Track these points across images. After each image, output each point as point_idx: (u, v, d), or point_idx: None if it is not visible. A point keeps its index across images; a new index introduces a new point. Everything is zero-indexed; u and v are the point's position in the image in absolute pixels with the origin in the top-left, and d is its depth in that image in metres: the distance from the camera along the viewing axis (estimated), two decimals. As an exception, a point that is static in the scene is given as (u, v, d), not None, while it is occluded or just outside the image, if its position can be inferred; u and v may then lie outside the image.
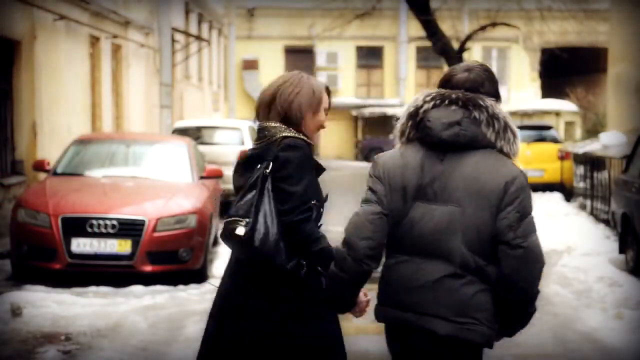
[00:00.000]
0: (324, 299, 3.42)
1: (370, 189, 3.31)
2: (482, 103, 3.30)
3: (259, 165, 3.51)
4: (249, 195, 3.48)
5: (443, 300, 3.18)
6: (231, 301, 3.68)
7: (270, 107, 3.62)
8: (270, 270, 3.49)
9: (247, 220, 3.44)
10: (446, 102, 3.28)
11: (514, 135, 3.30)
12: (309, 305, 3.51)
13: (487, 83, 3.42)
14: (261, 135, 3.61)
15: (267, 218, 3.46)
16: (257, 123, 3.67)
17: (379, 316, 3.42)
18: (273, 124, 3.60)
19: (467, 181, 3.20)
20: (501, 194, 3.17)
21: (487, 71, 3.48)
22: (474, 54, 33.73)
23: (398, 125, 3.39)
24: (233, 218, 3.48)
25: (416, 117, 3.31)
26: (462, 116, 3.25)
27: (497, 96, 3.41)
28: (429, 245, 3.21)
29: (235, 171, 3.68)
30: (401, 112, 3.38)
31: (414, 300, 3.22)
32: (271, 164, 3.49)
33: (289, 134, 3.55)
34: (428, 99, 3.31)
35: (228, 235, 3.50)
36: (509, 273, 3.16)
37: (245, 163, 3.62)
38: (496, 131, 3.26)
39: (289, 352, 3.49)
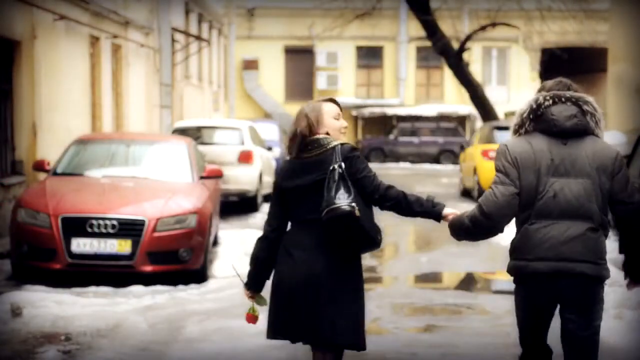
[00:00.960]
0: (454, 227, 4.49)
1: (503, 172, 4.29)
2: (587, 99, 4.30)
3: (332, 167, 4.47)
4: (337, 187, 4.43)
5: (589, 249, 4.23)
6: (330, 265, 4.57)
7: (310, 128, 4.68)
8: (366, 242, 4.57)
9: (346, 202, 4.40)
10: (563, 99, 4.29)
11: (602, 124, 4.35)
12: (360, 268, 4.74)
13: (572, 85, 4.46)
14: (315, 145, 4.59)
15: (359, 201, 4.48)
16: (308, 138, 4.66)
17: (521, 271, 4.31)
18: (321, 136, 4.62)
19: (591, 159, 4.22)
20: (613, 166, 4.24)
21: (571, 83, 4.50)
22: (474, 54, 33.74)
23: (517, 120, 4.35)
24: (333, 205, 4.40)
25: (537, 112, 4.28)
26: (576, 110, 4.26)
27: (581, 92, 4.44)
28: (575, 209, 4.21)
29: (287, 176, 4.65)
30: (519, 109, 4.37)
31: (566, 251, 4.19)
32: (343, 164, 4.48)
33: (340, 142, 4.59)
34: (548, 97, 4.30)
35: (335, 217, 4.40)
36: (631, 220, 4.34)
37: (304, 168, 4.59)
38: (595, 121, 4.29)
39: (358, 299, 4.76)
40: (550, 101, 4.29)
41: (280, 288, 4.68)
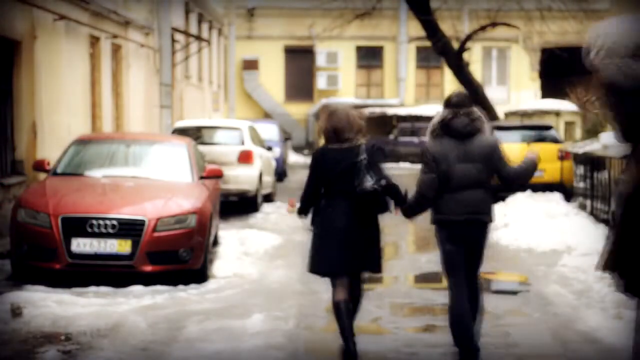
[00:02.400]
0: (404, 211, 6.78)
1: (426, 164, 6.57)
2: (474, 112, 6.62)
3: (359, 158, 6.65)
4: (364, 173, 6.60)
5: (483, 206, 6.61)
6: (358, 222, 6.72)
7: (345, 129, 6.84)
8: (379, 207, 6.74)
9: (370, 184, 6.57)
10: (459, 114, 6.57)
11: (484, 126, 6.66)
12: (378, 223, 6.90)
13: (467, 99, 6.69)
14: (345, 139, 6.79)
15: (381, 180, 6.63)
16: (341, 136, 6.83)
17: (442, 220, 6.61)
18: (351, 136, 6.82)
19: (478, 150, 6.56)
20: (491, 152, 6.62)
21: (465, 94, 6.87)
22: (474, 54, 33.71)
23: (432, 127, 6.64)
24: (363, 186, 6.57)
25: (444, 124, 6.57)
26: (468, 120, 6.57)
27: (472, 104, 6.71)
28: (472, 182, 6.55)
29: (330, 161, 6.73)
30: (432, 121, 6.71)
31: (472, 207, 6.56)
32: (365, 157, 6.65)
33: (362, 140, 6.86)
34: (451, 114, 6.57)
35: (364, 193, 6.58)
36: (509, 180, 6.75)
37: (339, 156, 6.73)
38: (480, 125, 6.61)
39: (378, 241, 6.88)
40: (452, 116, 6.55)
41: (324, 234, 6.72)
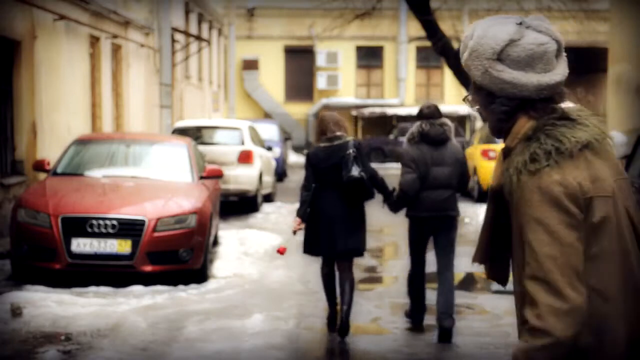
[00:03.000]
0: (390, 205, 7.77)
1: (408, 166, 7.55)
2: (446, 123, 7.74)
3: (348, 151, 7.55)
4: (352, 164, 7.51)
5: (452, 203, 7.70)
6: (345, 209, 7.71)
7: (334, 126, 7.78)
8: (365, 194, 7.66)
9: (357, 172, 7.50)
10: (435, 125, 7.70)
11: (452, 134, 7.82)
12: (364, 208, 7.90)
13: (437, 111, 7.78)
14: (335, 137, 7.73)
15: (366, 171, 7.63)
16: (332, 134, 7.79)
17: (415, 216, 7.74)
18: (341, 134, 7.76)
19: (450, 154, 7.69)
20: (461, 159, 7.74)
21: (435, 106, 7.87)
22: (474, 54, 33.66)
23: (410, 135, 7.72)
24: (350, 174, 7.49)
25: (422, 133, 7.65)
26: (442, 130, 7.68)
27: (441, 115, 7.82)
28: (445, 184, 7.63)
29: (321, 158, 7.73)
30: (411, 129, 7.80)
31: (441, 205, 7.65)
32: (354, 150, 7.58)
33: (350, 137, 7.79)
34: (427, 125, 7.67)
35: (351, 181, 7.49)
36: (467, 180, 7.89)
37: (329, 153, 7.68)
38: (450, 133, 7.72)
39: (363, 226, 7.81)
40: (429, 127, 7.65)
41: (315, 220, 7.69)
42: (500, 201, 2.56)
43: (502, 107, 2.52)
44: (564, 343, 2.26)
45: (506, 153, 2.54)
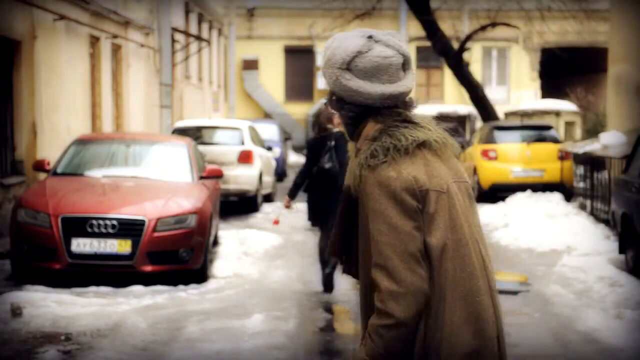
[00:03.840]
0: None
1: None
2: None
3: (328, 143, 8.91)
4: (325, 154, 8.83)
5: None
6: (325, 191, 8.98)
7: (325, 120, 9.06)
8: (336, 183, 8.53)
9: (328, 163, 8.84)
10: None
11: None
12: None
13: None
14: (325, 130, 9.06)
15: (335, 162, 8.78)
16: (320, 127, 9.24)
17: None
18: (329, 126, 9.06)
19: None
20: None
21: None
22: (474, 54, 33.75)
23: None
24: (320, 164, 8.87)
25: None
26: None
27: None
28: None
29: (311, 146, 9.17)
30: None
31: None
32: (335, 142, 8.88)
33: (336, 129, 8.94)
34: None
35: (322, 168, 8.87)
36: None
37: (317, 143, 9.08)
38: None
39: None
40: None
41: (312, 198, 9.16)
42: (348, 198, 2.75)
43: (350, 112, 2.74)
44: (405, 323, 2.49)
45: (357, 153, 2.73)
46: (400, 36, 2.76)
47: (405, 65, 2.73)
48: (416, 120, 2.72)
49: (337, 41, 2.73)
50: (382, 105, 2.69)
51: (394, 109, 2.70)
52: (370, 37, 2.69)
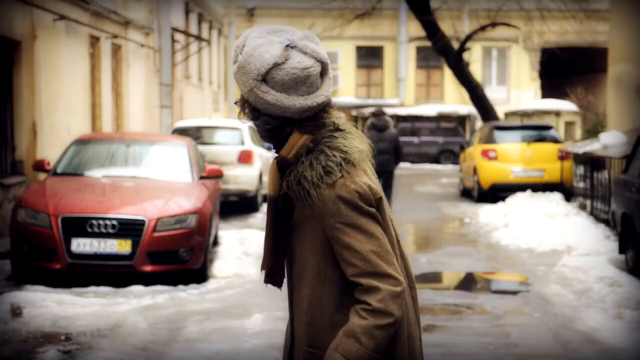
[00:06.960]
0: None
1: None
2: (386, 118, 15.10)
3: None
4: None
5: (390, 163, 15.19)
6: None
7: None
8: None
9: None
10: (380, 119, 14.84)
11: (391, 124, 15.31)
12: None
13: (381, 111, 15.24)
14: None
15: None
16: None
17: None
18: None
19: (388, 136, 14.76)
20: (395, 140, 14.90)
21: (381, 109, 15.54)
22: (474, 54, 33.74)
23: (367, 126, 14.70)
24: None
25: (372, 123, 14.78)
26: (384, 122, 14.97)
27: (384, 114, 15.23)
28: (385, 152, 14.66)
29: None
30: (367, 123, 14.29)
31: (384, 163, 14.69)
32: None
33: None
34: (375, 120, 14.78)
35: None
36: (400, 152, 15.28)
37: None
38: (389, 123, 15.09)
39: None
40: (376, 120, 14.52)
41: None
42: (278, 209, 2.69)
43: (266, 125, 2.64)
44: (399, 320, 2.56)
45: (282, 162, 2.65)
46: (317, 39, 2.65)
47: (323, 73, 2.64)
48: (344, 127, 2.68)
49: (250, 47, 2.59)
50: (300, 117, 2.61)
51: (319, 120, 2.64)
52: (287, 45, 2.57)
